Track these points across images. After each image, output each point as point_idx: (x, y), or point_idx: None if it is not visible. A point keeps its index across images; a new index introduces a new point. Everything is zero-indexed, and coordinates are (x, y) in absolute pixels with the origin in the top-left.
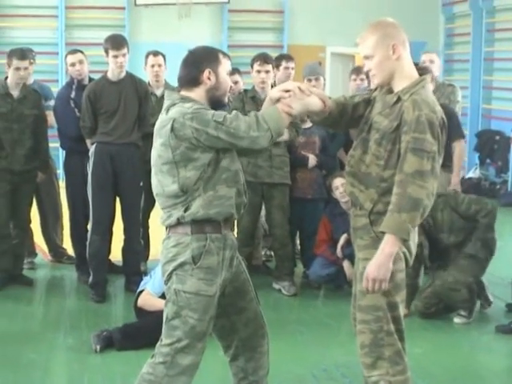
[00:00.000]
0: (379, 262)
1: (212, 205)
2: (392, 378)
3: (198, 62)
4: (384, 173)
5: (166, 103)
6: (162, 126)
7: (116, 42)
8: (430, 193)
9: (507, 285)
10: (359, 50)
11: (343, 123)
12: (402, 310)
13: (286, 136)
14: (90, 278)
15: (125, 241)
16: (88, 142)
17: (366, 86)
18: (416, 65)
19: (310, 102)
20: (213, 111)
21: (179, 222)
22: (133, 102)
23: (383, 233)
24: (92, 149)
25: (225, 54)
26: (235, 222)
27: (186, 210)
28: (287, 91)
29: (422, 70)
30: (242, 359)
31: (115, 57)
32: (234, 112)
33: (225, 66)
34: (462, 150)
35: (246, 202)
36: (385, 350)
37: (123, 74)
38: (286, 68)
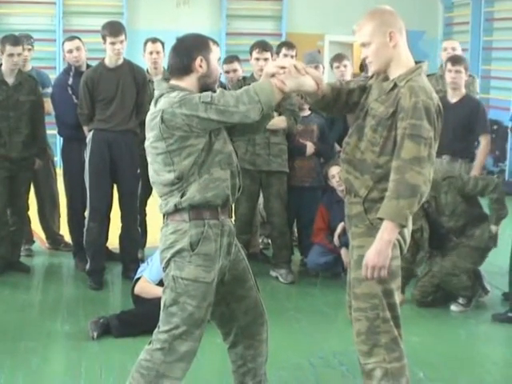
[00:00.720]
0: (378, 248)
1: (208, 188)
2: (388, 365)
3: (190, 49)
4: (379, 159)
5: (155, 93)
6: (151, 118)
7: (114, 29)
8: (426, 179)
9: (504, 274)
10: (356, 37)
11: (336, 108)
12: (397, 297)
13: (283, 124)
14: (88, 266)
15: (122, 228)
16: (85, 128)
17: (351, 73)
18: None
19: (304, 82)
20: (199, 94)
21: (176, 209)
22: (131, 89)
23: (380, 219)
24: (89, 136)
25: (214, 42)
26: (232, 208)
27: (182, 196)
28: (283, 68)
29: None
30: (241, 346)
31: (113, 44)
32: (220, 89)
33: (215, 53)
34: (488, 144)
35: (240, 184)
36: (381, 337)
37: (121, 61)
38: (286, 55)
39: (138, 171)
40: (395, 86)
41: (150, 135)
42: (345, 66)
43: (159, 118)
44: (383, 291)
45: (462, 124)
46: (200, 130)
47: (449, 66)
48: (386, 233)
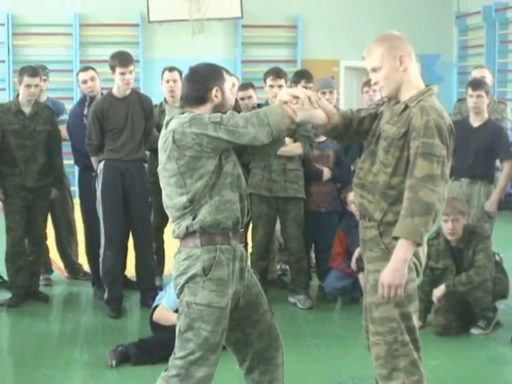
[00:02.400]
0: (394, 267)
1: (219, 210)
2: None
3: (205, 79)
4: (391, 180)
5: (166, 118)
6: (163, 140)
7: (123, 59)
8: (441, 197)
9: None
10: (366, 63)
11: (348, 136)
12: (415, 320)
13: (299, 150)
14: (106, 294)
15: (137, 256)
16: (93, 159)
17: (379, 97)
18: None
19: (315, 115)
20: (208, 115)
21: (188, 232)
22: (139, 118)
23: (396, 239)
24: (100, 166)
25: (226, 71)
26: (245, 234)
27: (194, 218)
28: (296, 97)
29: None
30: (257, 372)
31: (122, 74)
32: (230, 111)
33: (229, 82)
34: (510, 169)
35: (248, 208)
36: (400, 361)
37: (129, 91)
38: (305, 88)
39: (150, 199)
40: (406, 107)
41: (163, 158)
42: (374, 91)
43: (171, 139)
44: (400, 315)
45: (484, 148)
46: (210, 149)
47: (470, 91)
48: (402, 251)
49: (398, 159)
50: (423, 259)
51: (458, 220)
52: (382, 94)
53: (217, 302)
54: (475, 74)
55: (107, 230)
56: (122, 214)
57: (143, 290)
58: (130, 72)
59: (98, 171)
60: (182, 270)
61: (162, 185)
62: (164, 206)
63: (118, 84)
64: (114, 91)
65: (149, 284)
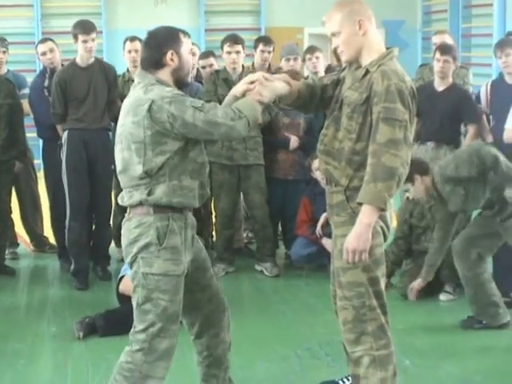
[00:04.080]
0: (358, 232)
1: (175, 194)
2: (376, 353)
3: (160, 44)
4: (356, 145)
5: (141, 82)
6: (137, 104)
7: (85, 27)
8: (404, 161)
9: None
10: (326, 28)
11: (313, 105)
12: (383, 285)
13: (259, 119)
14: (72, 266)
15: (95, 225)
16: (59, 127)
17: (323, 65)
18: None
19: (277, 87)
20: (190, 98)
21: (141, 204)
22: (102, 88)
23: (360, 205)
24: (64, 136)
25: (185, 33)
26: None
27: (149, 194)
28: (252, 82)
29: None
30: (206, 336)
31: (85, 42)
32: (213, 102)
33: (186, 45)
34: (475, 133)
35: (208, 194)
36: (367, 325)
37: (92, 60)
38: (263, 51)
39: (112, 167)
40: (367, 72)
41: (129, 120)
42: (317, 58)
43: (147, 106)
44: (368, 279)
45: (450, 112)
46: (180, 133)
47: (437, 55)
48: (366, 217)
49: (362, 125)
50: (390, 222)
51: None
52: (343, 59)
53: (173, 270)
54: (436, 39)
55: (72, 199)
56: (87, 183)
57: (97, 259)
58: (93, 40)
59: (63, 141)
60: (134, 238)
61: (119, 147)
62: (117, 169)
63: (81, 53)
64: (78, 60)
65: (103, 253)
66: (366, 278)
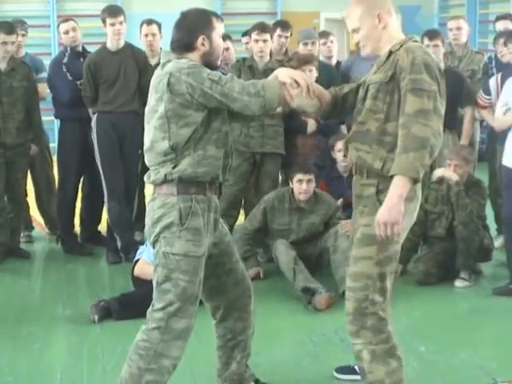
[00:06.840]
0: (390, 204)
1: (200, 164)
2: (375, 347)
3: (192, 27)
4: (386, 126)
5: (162, 60)
6: (158, 80)
7: (112, 10)
8: (435, 131)
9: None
10: (347, 24)
11: (334, 115)
12: (389, 283)
13: (279, 108)
14: (118, 243)
15: None
16: (90, 111)
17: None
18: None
19: (310, 104)
20: (208, 70)
21: (166, 180)
22: (133, 72)
23: (392, 177)
24: (94, 118)
25: (218, 17)
26: (221, 187)
27: (174, 167)
28: (296, 83)
29: None
30: (231, 320)
31: (112, 25)
32: (230, 74)
33: (218, 30)
34: (472, 114)
35: (231, 164)
36: (368, 319)
37: (122, 43)
38: (280, 36)
39: (140, 152)
40: (391, 53)
41: (153, 98)
42: (331, 42)
43: (166, 81)
44: (378, 273)
45: (447, 96)
46: (200, 103)
47: (426, 41)
48: (398, 188)
49: (390, 104)
50: (417, 205)
51: (461, 167)
52: (366, 52)
53: (194, 251)
54: (451, 25)
55: (107, 181)
56: (120, 164)
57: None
58: (120, 23)
59: (92, 124)
60: (157, 218)
61: (147, 127)
62: (145, 148)
63: (110, 36)
64: (108, 45)
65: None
66: (377, 272)
